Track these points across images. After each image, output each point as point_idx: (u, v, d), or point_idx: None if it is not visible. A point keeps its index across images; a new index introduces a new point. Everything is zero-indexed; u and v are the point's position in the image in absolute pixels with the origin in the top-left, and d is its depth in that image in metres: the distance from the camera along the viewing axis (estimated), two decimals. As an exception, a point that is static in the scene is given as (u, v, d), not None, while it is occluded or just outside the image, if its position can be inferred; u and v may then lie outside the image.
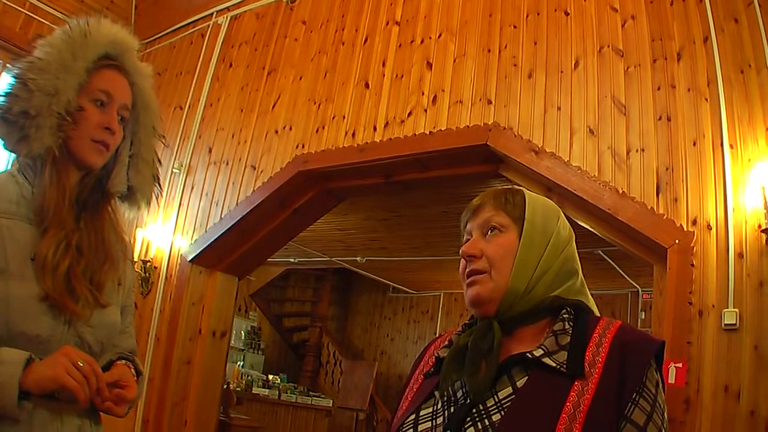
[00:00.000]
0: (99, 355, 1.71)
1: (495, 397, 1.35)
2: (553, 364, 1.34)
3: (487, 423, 1.32)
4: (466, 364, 1.45)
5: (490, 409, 1.33)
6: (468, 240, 1.58)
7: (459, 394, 1.44)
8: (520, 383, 1.36)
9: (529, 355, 1.38)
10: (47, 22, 7.36)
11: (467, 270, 1.53)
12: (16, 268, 1.59)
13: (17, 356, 1.51)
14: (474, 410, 1.35)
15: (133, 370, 1.79)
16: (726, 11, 3.89)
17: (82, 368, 1.53)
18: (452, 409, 1.41)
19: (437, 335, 1.80)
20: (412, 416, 1.49)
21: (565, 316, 1.45)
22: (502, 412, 1.31)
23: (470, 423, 1.34)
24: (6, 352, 1.51)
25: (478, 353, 1.44)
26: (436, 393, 1.50)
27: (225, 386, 8.42)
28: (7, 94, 1.70)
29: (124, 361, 1.80)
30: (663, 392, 1.36)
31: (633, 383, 1.31)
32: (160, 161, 2.04)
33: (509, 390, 1.35)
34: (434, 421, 1.44)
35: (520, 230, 1.53)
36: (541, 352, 1.37)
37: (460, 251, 1.55)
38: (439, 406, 1.46)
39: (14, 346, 1.54)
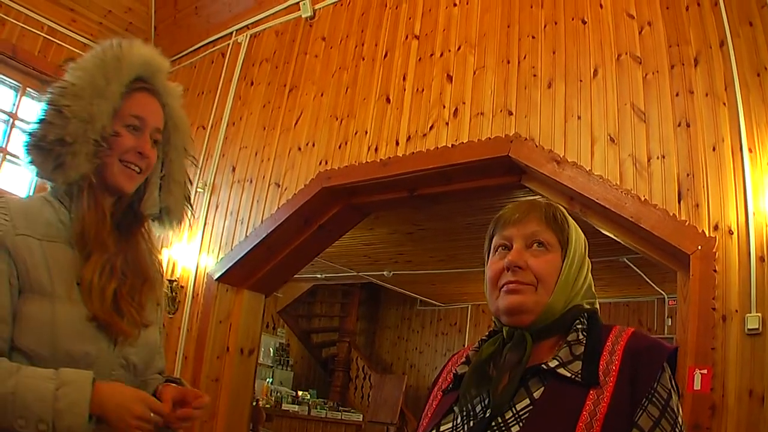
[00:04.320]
0: (143, 374, 1.73)
1: (513, 409, 1.37)
2: (568, 374, 1.36)
3: None
4: (495, 375, 1.46)
5: (509, 421, 1.35)
6: (504, 246, 1.57)
7: (478, 408, 1.45)
8: (537, 394, 1.37)
9: (545, 366, 1.39)
10: (66, 45, 7.48)
11: (512, 279, 1.51)
12: (63, 291, 1.60)
13: (83, 376, 1.50)
14: (493, 423, 1.37)
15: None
16: (741, 15, 3.87)
17: (153, 420, 1.55)
18: (472, 424, 1.43)
19: (465, 347, 1.80)
20: None
21: (579, 326, 1.47)
22: (521, 424, 1.33)
23: None
24: (67, 372, 1.50)
25: (510, 364, 1.45)
26: (456, 408, 1.51)
27: (254, 403, 8.44)
28: (41, 122, 1.68)
29: (173, 385, 1.81)
30: (677, 398, 1.36)
31: (643, 389, 1.32)
32: (191, 181, 2.06)
33: (527, 402, 1.37)
34: None
35: (562, 251, 1.54)
36: (556, 362, 1.39)
37: (506, 260, 1.52)
38: (459, 421, 1.47)
39: (59, 366, 1.53)
